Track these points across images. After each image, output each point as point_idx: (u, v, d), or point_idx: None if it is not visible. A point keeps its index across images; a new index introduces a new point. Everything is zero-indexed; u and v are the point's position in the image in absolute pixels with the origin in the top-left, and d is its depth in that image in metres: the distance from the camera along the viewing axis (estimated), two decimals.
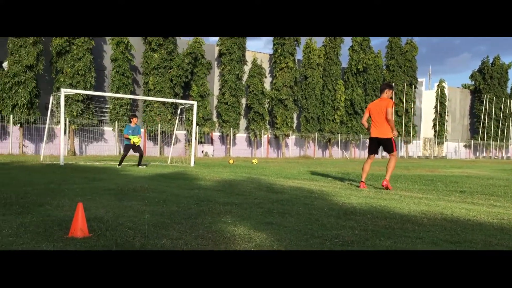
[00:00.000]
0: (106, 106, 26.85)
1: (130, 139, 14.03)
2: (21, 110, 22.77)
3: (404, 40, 41.45)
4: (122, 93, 25.16)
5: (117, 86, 25.99)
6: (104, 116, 26.99)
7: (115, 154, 26.35)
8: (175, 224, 4.43)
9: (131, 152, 14.27)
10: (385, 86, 8.90)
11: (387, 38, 40.71)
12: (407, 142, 41.86)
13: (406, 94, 40.52)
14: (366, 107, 35.92)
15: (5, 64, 23.03)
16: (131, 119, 14.41)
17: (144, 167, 14.03)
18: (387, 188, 8.43)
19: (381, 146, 8.99)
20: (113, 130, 26.78)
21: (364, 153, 39.74)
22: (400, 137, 40.82)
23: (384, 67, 40.47)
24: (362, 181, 8.86)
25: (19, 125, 23.41)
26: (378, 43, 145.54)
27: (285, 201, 6.37)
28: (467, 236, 4.17)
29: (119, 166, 13.81)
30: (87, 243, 3.54)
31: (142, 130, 14.69)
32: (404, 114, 40.63)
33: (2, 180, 8.27)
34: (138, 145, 14.29)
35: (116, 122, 26.36)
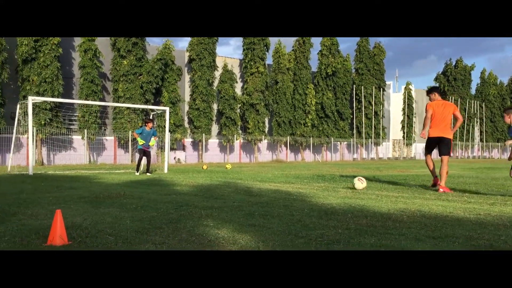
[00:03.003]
0: (75, 114, 26.30)
1: (142, 141, 14.09)
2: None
3: (372, 43, 42.16)
4: (91, 101, 24.67)
5: (85, 94, 25.49)
6: (73, 125, 26.42)
7: (84, 163, 25.82)
8: (157, 229, 4.36)
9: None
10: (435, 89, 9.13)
11: (356, 42, 41.31)
12: (377, 144, 42.50)
13: (375, 97, 41.19)
14: (336, 111, 35.65)
15: None
16: (147, 124, 14.32)
17: (149, 174, 13.99)
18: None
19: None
20: (82, 138, 26.22)
21: (336, 156, 40.17)
22: (370, 139, 41.44)
23: (353, 70, 41.06)
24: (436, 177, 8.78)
25: None
26: (346, 47, 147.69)
27: (264, 203, 6.35)
28: (448, 231, 4.24)
29: (137, 173, 14.02)
30: (65, 250, 3.43)
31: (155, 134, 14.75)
32: (373, 116, 41.27)
33: None
34: (149, 152, 14.42)
35: (86, 130, 25.84)
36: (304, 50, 36.08)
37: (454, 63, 50.90)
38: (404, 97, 46.02)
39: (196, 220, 4.88)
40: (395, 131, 46.94)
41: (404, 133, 45.88)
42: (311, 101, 36.15)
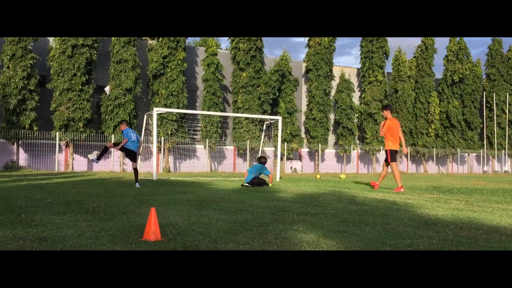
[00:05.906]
0: (198, 125, 27.95)
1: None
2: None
3: (506, 47, 38.73)
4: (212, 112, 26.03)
5: (208, 105, 26.98)
6: (196, 135, 28.10)
7: (206, 170, 27.26)
8: (246, 231, 4.46)
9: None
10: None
11: (487, 46, 38.21)
12: None
13: (509, 104, 37.66)
14: (463, 120, 33.37)
15: (107, 88, 24.90)
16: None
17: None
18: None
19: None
20: (204, 147, 27.76)
21: (463, 168, 37.40)
22: (503, 151, 37.90)
23: (484, 76, 38.02)
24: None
25: None
26: (478, 53, 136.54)
27: (363, 212, 6.16)
28: None
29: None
30: (156, 245, 3.68)
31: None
32: (507, 126, 37.70)
33: (97, 192, 8.89)
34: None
35: (207, 139, 27.32)
36: (427, 56, 34.34)
37: None
38: None
39: (288, 225, 4.90)
40: None
41: None
42: (434, 109, 34.20)
